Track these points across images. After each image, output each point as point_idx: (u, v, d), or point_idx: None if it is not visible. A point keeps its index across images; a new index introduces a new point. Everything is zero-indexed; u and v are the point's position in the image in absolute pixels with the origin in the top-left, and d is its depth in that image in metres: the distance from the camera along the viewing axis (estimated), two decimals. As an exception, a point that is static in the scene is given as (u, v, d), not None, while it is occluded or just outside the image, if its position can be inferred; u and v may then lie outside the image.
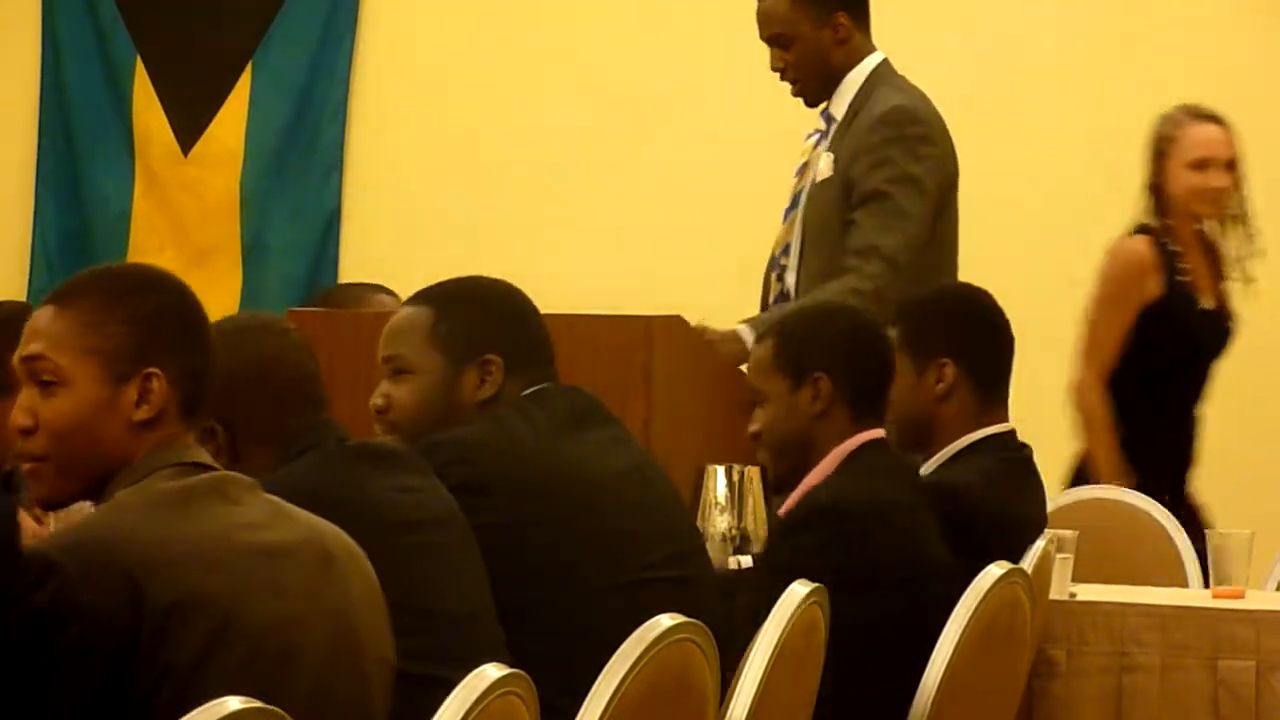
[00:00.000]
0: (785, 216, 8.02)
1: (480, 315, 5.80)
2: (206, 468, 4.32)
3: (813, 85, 7.95)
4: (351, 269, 8.98)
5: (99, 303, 4.35)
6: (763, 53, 7.97)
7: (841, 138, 7.87)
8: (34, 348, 4.27)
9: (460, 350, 5.67)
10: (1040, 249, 9.43)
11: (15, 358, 4.32)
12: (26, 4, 9.26)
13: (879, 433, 6.09)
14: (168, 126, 9.15)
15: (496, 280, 6.09)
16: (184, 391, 4.27)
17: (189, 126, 9.16)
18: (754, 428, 6.08)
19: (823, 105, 8.10)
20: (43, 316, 4.29)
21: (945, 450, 6.48)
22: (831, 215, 7.71)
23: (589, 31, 8.92)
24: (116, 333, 4.30)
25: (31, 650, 3.97)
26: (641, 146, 9.12)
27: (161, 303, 4.43)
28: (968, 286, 6.85)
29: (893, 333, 6.25)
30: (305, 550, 4.36)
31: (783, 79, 8.02)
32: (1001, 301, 6.82)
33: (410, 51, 9.13)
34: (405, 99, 9.00)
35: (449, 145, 8.44)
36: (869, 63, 8.17)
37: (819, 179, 7.85)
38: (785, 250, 7.87)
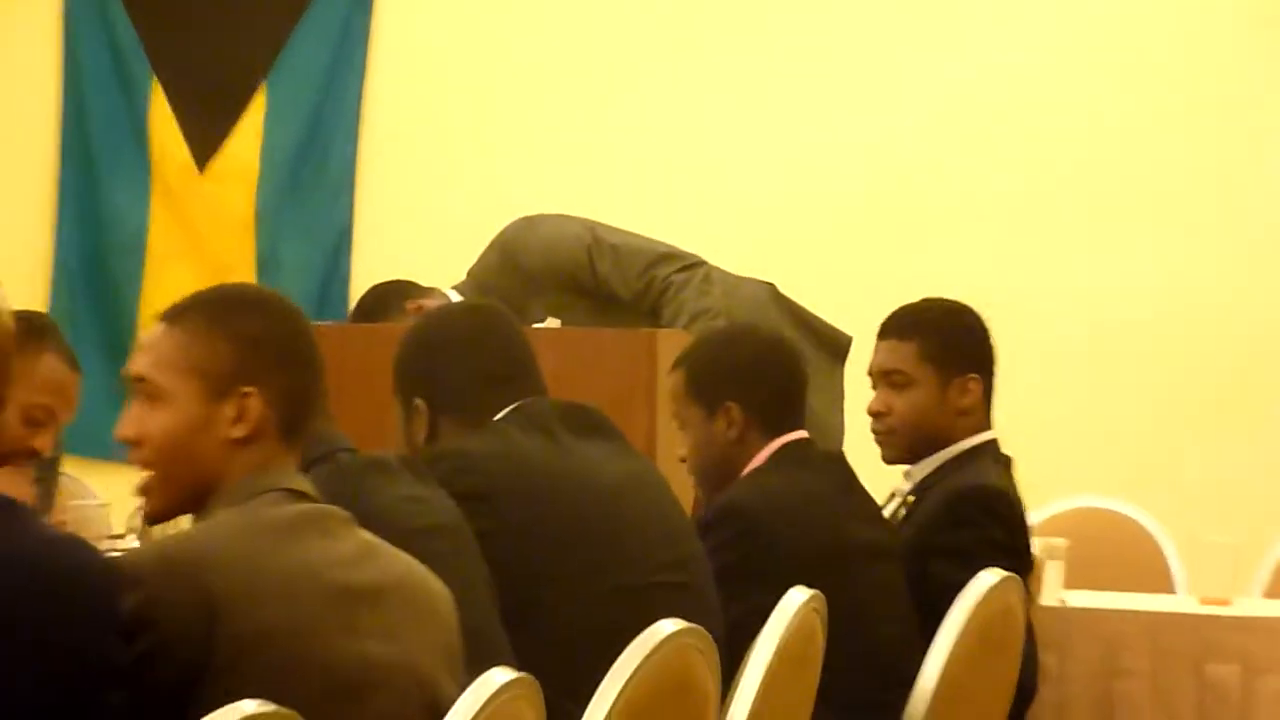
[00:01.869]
0: None
1: (452, 346, 5.87)
2: (308, 497, 4.38)
3: None
4: (362, 285, 8.95)
5: (202, 322, 4.40)
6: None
7: None
8: (139, 363, 4.31)
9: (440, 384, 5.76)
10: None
11: (123, 371, 4.37)
12: (47, 27, 9.26)
13: (800, 434, 6.17)
14: (184, 144, 9.17)
15: (473, 306, 6.37)
16: (282, 412, 4.32)
17: (205, 144, 9.18)
18: (680, 453, 6.19)
19: None
20: (152, 333, 4.36)
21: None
22: None
23: (597, 51, 8.85)
24: (217, 351, 4.34)
25: (115, 650, 4.00)
26: (652, 166, 9.00)
27: (265, 324, 4.48)
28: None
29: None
30: (390, 593, 4.40)
31: None
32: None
33: (421, 72, 9.12)
34: (416, 118, 9.00)
35: (459, 164, 8.43)
36: None
37: None
38: None
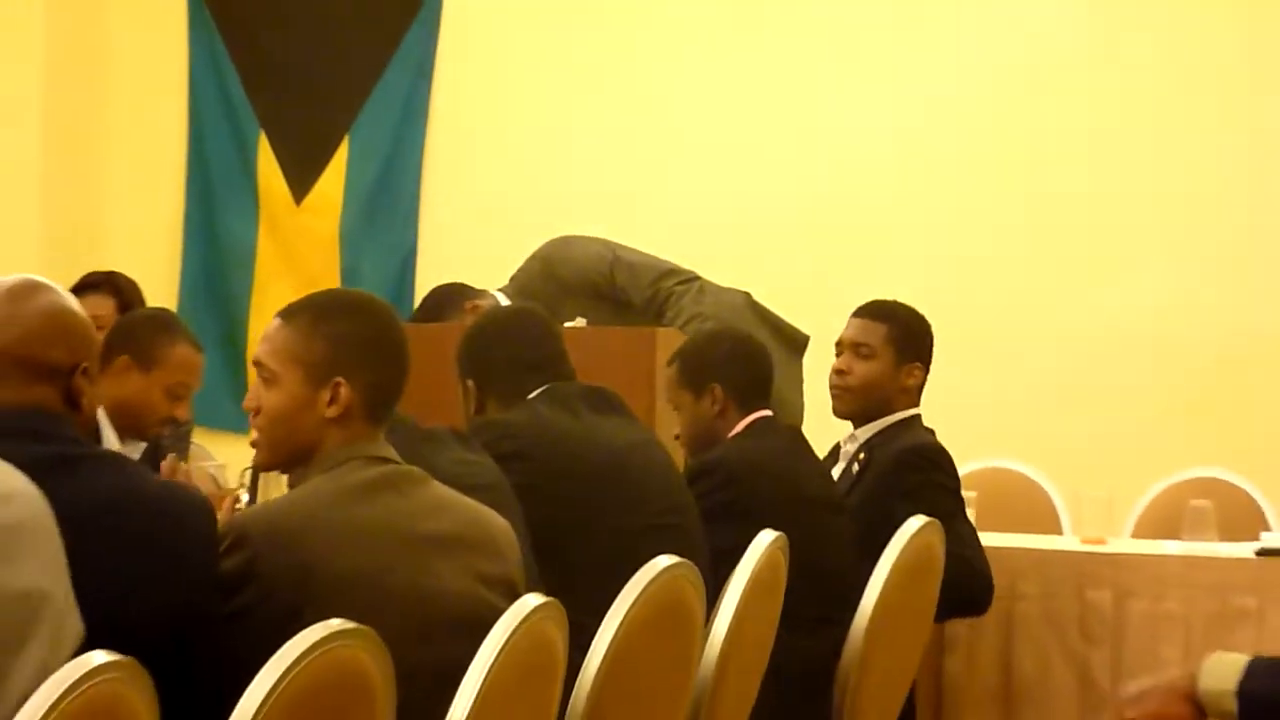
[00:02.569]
0: None
1: (480, 337, 5.96)
2: (390, 461, 4.44)
3: None
4: (425, 292, 8.99)
5: (307, 322, 4.47)
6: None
7: None
8: (260, 351, 4.41)
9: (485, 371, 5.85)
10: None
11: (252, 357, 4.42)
12: (176, 91, 9.27)
13: (767, 412, 6.23)
14: (284, 183, 9.21)
15: (518, 310, 6.40)
16: (368, 398, 4.38)
17: (300, 183, 9.20)
18: (676, 431, 6.24)
19: None
20: (270, 327, 4.46)
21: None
22: None
23: (617, 103, 8.82)
24: (316, 347, 4.41)
25: (215, 600, 4.08)
26: (702, 190, 8.85)
27: (356, 326, 4.53)
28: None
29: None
30: (458, 538, 4.46)
31: None
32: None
33: (471, 126, 9.09)
34: (467, 161, 8.98)
35: (502, 197, 8.39)
36: None
37: None
38: None
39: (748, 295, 7.65)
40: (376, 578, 4.24)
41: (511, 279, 7.78)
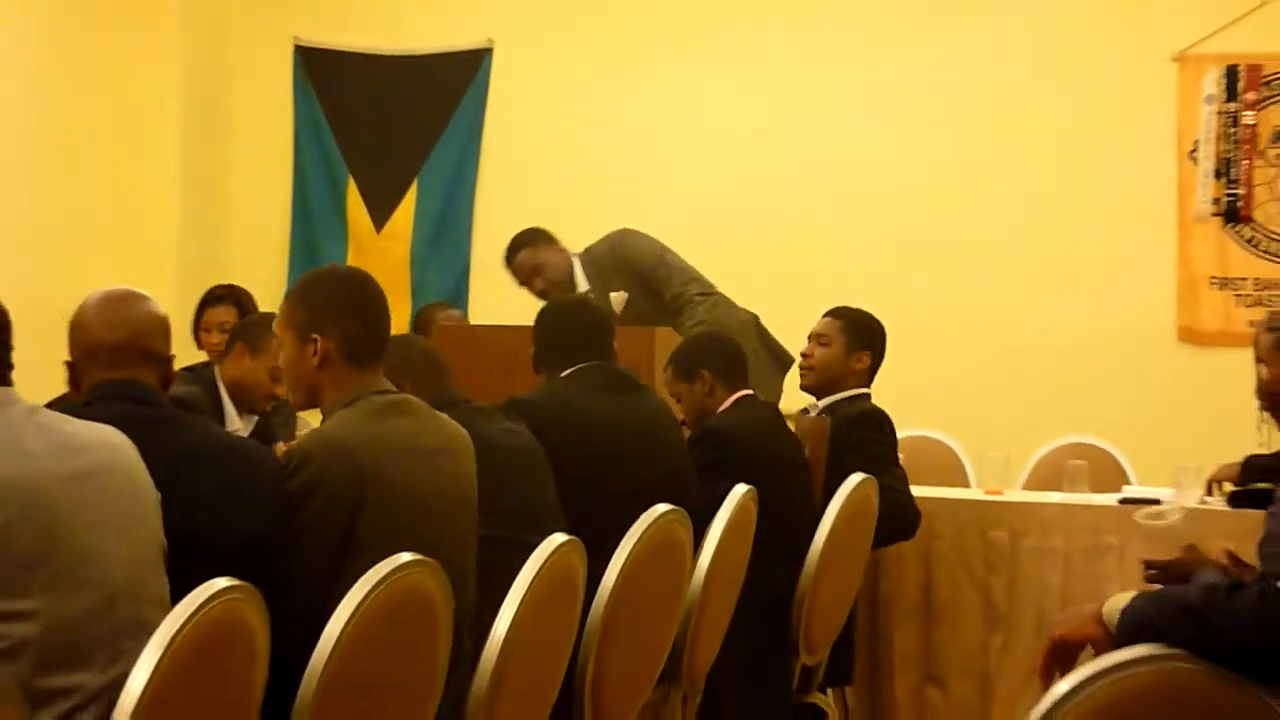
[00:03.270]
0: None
1: (543, 322, 5.87)
2: (392, 393, 4.45)
3: None
4: (474, 303, 9.04)
5: (294, 296, 4.53)
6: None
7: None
8: (277, 324, 4.56)
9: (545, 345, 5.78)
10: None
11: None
12: (283, 146, 9.25)
13: (748, 391, 6.21)
14: (367, 216, 9.15)
15: (573, 299, 6.47)
16: (343, 348, 4.37)
17: (379, 216, 9.13)
18: (681, 416, 6.15)
19: None
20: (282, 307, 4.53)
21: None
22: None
23: (642, 136, 8.78)
24: (299, 314, 4.44)
25: (288, 519, 4.08)
26: (705, 213, 8.64)
27: (329, 294, 4.52)
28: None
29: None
30: (446, 451, 4.51)
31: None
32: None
33: (512, 173, 8.99)
34: (511, 199, 8.89)
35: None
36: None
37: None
38: None
39: (755, 317, 7.57)
40: (405, 479, 4.28)
41: (586, 249, 7.69)
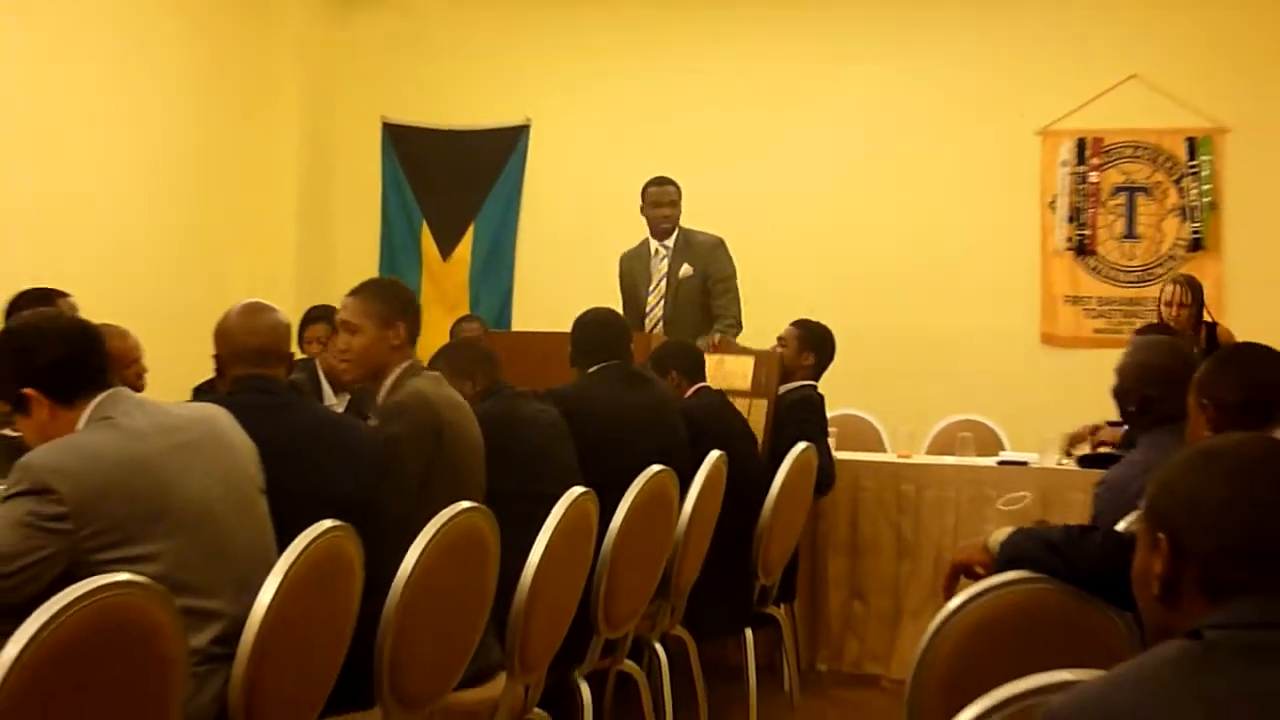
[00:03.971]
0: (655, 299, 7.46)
1: (579, 330, 5.74)
2: (429, 370, 4.52)
3: None
4: (517, 318, 9.04)
5: (370, 295, 4.45)
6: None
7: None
8: (344, 316, 4.44)
9: (579, 348, 5.69)
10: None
11: (336, 318, 4.59)
12: (373, 196, 9.22)
13: (705, 383, 6.16)
14: (436, 250, 9.07)
15: (602, 310, 6.01)
16: (410, 336, 4.40)
17: (446, 249, 9.06)
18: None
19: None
20: (347, 303, 4.45)
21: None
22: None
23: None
24: (378, 306, 4.40)
25: (391, 460, 4.10)
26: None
27: (401, 294, 4.55)
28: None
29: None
30: (466, 409, 4.49)
31: None
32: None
33: (546, 216, 8.96)
34: (544, 237, 8.88)
35: (570, 261, 8.24)
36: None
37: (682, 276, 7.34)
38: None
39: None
40: (464, 430, 4.34)
41: (690, 230, 7.43)
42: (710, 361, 6.69)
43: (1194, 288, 7.04)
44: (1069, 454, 6.58)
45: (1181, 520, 1.81)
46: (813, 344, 6.77)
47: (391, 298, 4.51)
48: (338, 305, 6.85)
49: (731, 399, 6.53)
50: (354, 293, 4.48)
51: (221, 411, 3.50)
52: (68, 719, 2.65)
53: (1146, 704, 1.67)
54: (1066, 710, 1.71)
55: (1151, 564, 1.85)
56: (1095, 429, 6.57)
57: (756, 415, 6.68)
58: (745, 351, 6.91)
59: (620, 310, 7.08)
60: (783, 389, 6.67)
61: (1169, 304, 6.95)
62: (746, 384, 6.72)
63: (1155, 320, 7.11)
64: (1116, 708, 1.69)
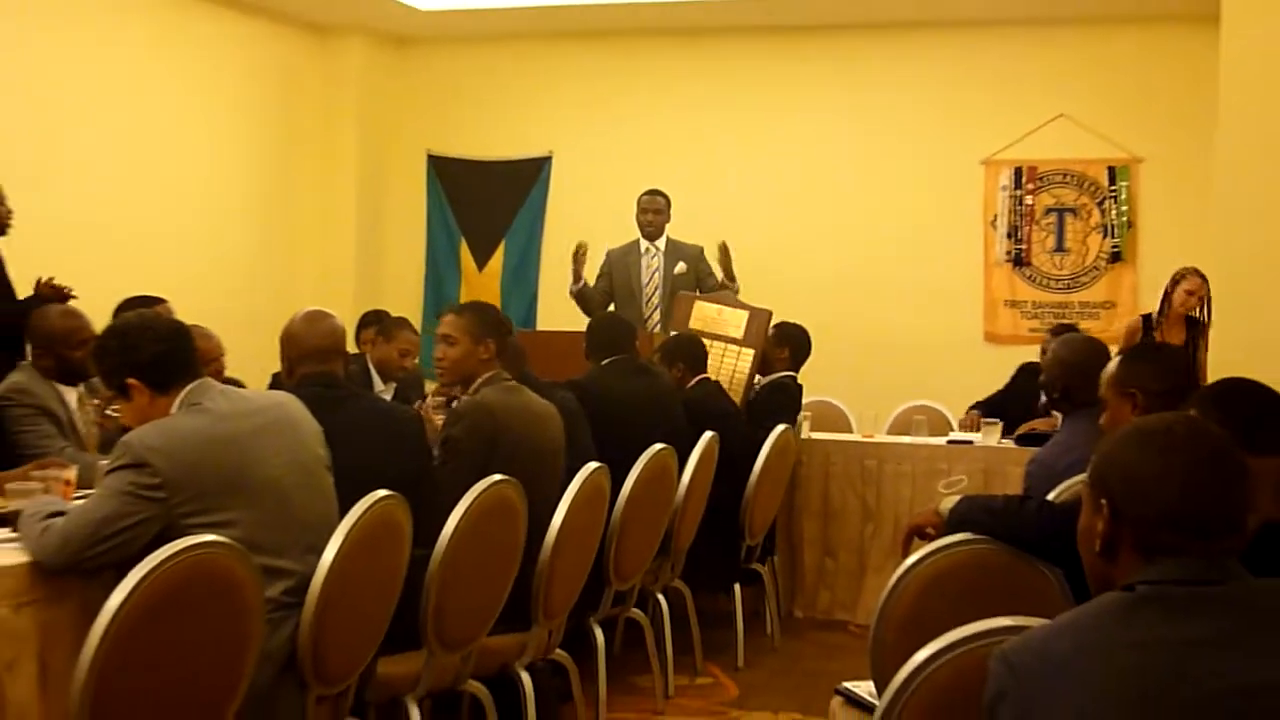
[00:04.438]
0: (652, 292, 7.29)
1: (593, 329, 5.81)
2: (509, 380, 4.43)
3: None
4: (541, 319, 8.98)
5: (468, 315, 4.44)
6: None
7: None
8: (444, 329, 4.40)
9: (593, 345, 5.68)
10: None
11: (436, 332, 4.51)
12: (419, 216, 9.18)
13: (706, 375, 6.14)
14: (473, 262, 9.00)
15: (612, 314, 6.26)
16: (497, 349, 4.40)
17: (481, 262, 9.00)
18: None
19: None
20: (448, 318, 4.44)
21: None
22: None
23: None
24: (473, 324, 4.37)
25: (446, 456, 4.10)
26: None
27: (494, 315, 4.53)
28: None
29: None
30: (548, 417, 4.49)
31: None
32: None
33: (565, 234, 8.73)
34: (563, 253, 8.74)
35: (588, 272, 8.15)
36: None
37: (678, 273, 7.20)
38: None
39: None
40: (524, 435, 4.30)
41: (678, 242, 7.33)
42: (711, 309, 6.78)
43: (1207, 283, 6.43)
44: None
45: (1120, 489, 1.80)
46: (787, 341, 6.74)
47: (485, 318, 4.50)
48: (389, 310, 6.94)
49: (724, 344, 6.63)
50: (455, 311, 4.52)
51: (292, 398, 3.49)
52: (163, 657, 2.67)
53: (1086, 647, 1.67)
54: (1016, 652, 1.71)
55: (1094, 524, 1.84)
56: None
57: (744, 363, 6.72)
58: (743, 307, 6.85)
59: (612, 307, 7.16)
60: (768, 377, 6.67)
61: (1190, 292, 6.44)
62: (740, 334, 6.75)
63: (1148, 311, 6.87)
64: (1060, 650, 1.69)
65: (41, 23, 7.26)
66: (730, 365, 6.69)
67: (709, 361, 6.34)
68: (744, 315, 6.80)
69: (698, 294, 7.10)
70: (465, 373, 4.43)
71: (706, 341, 6.44)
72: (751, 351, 6.70)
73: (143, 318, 3.36)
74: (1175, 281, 6.60)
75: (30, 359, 4.54)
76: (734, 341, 6.73)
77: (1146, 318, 6.76)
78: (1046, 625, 1.77)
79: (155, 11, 7.93)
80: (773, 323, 6.83)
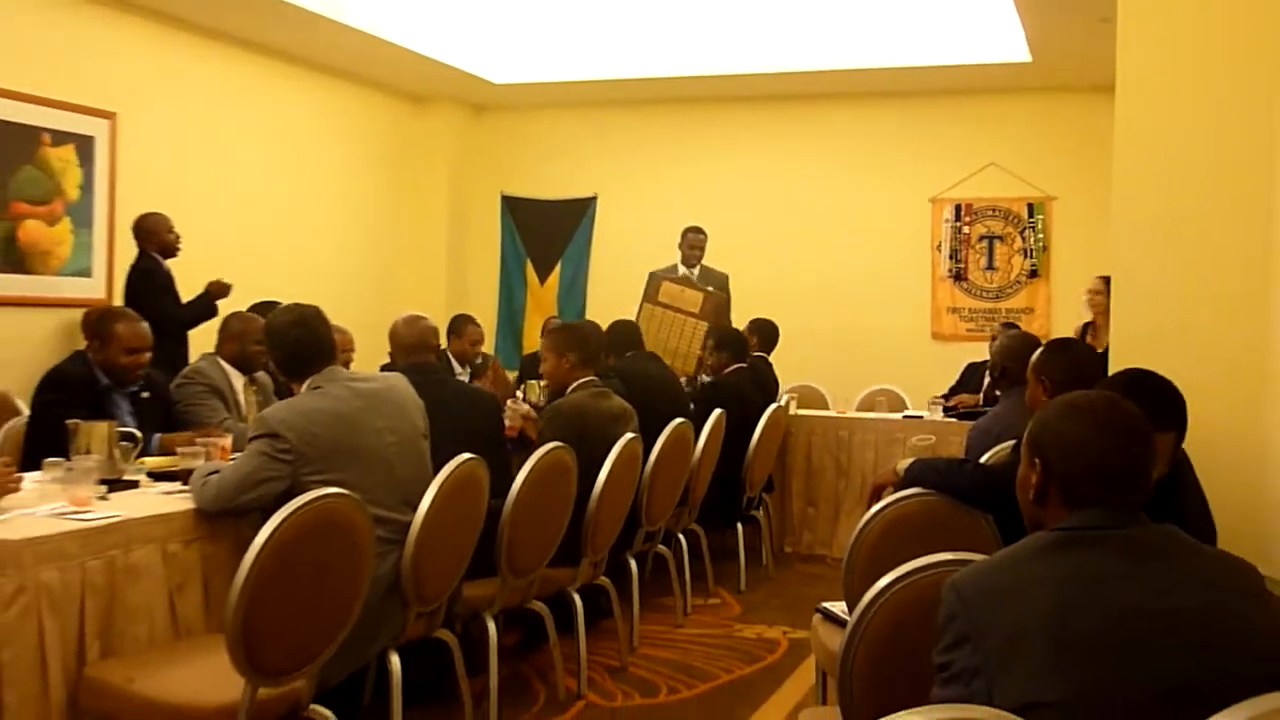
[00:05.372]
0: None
1: (610, 331, 5.62)
2: (598, 385, 4.29)
3: None
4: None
5: (555, 334, 4.38)
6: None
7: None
8: (542, 347, 4.39)
9: (617, 343, 5.60)
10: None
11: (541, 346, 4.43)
12: (494, 241, 9.13)
13: (742, 364, 5.99)
14: (536, 278, 8.90)
15: (623, 320, 5.94)
16: (582, 361, 4.29)
17: (542, 277, 8.88)
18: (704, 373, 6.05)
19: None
20: (542, 339, 4.45)
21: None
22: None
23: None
24: (558, 341, 4.32)
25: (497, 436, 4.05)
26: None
27: (570, 334, 4.41)
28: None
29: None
30: (623, 417, 4.39)
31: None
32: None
33: (610, 257, 8.80)
34: (607, 272, 8.80)
35: (623, 290, 7.92)
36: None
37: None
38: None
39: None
40: (602, 433, 4.20)
41: (709, 271, 7.25)
42: (675, 289, 6.84)
43: (1110, 284, 6.24)
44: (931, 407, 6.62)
45: (1052, 450, 1.78)
46: (758, 331, 6.65)
47: (562, 338, 4.46)
48: (474, 314, 6.90)
49: (684, 316, 6.65)
50: (544, 331, 4.51)
51: (401, 379, 3.48)
52: (297, 581, 2.67)
53: (1021, 578, 1.66)
54: (964, 581, 1.69)
55: (1029, 477, 1.82)
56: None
57: (699, 332, 6.69)
58: (700, 290, 6.93)
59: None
60: (747, 360, 6.48)
61: (1095, 292, 6.10)
62: (697, 310, 6.86)
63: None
64: (1000, 580, 1.67)
65: (227, 99, 7.35)
66: (690, 331, 6.80)
67: (674, 326, 6.36)
68: (700, 295, 6.90)
69: (665, 275, 7.16)
70: (558, 381, 4.39)
71: (670, 312, 6.48)
72: (705, 323, 6.77)
73: (287, 321, 3.32)
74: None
75: (216, 348, 4.57)
76: (692, 315, 6.86)
77: (1087, 325, 6.42)
78: (988, 559, 1.75)
79: (304, 86, 7.98)
80: (750, 315, 6.82)
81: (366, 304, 8.12)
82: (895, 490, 3.11)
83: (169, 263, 6.07)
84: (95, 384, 3.97)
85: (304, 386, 3.22)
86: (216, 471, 3.11)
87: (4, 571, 2.52)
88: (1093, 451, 1.74)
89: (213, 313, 5.89)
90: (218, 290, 5.98)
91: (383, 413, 3.26)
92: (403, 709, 3.13)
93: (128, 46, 6.55)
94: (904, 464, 3.18)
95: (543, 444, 3.95)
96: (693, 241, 7.39)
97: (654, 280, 7.11)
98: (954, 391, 6.94)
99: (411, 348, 4.01)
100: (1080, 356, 3.22)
